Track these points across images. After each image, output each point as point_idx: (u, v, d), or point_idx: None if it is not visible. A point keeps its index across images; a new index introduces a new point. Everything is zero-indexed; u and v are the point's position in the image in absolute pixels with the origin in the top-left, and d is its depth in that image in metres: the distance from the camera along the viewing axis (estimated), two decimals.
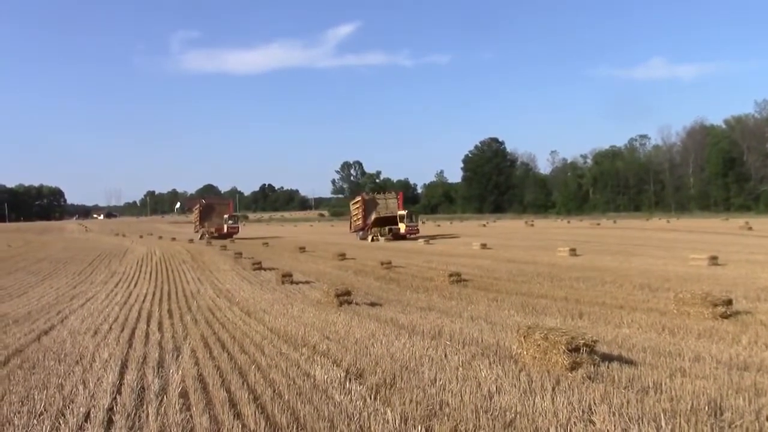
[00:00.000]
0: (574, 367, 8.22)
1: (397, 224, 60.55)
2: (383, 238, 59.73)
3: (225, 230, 73.05)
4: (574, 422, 6.35)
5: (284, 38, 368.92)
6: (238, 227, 76.78)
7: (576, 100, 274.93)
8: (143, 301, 20.28)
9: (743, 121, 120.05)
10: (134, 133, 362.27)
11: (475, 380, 8.11)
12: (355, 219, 65.98)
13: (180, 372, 9.51)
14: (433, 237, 60.16)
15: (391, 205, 64.75)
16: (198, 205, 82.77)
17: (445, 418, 6.73)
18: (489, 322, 13.56)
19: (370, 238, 60.21)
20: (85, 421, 7.30)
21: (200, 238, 72.14)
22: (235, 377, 9.11)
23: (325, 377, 8.71)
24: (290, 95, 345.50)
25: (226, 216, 75.94)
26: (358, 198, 67.14)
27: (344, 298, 17.25)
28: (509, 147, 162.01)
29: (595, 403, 6.84)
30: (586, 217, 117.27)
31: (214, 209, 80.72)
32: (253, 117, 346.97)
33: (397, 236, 59.37)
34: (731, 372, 8.42)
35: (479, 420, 6.59)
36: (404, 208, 64.43)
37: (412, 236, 59.11)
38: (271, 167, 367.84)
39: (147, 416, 7.37)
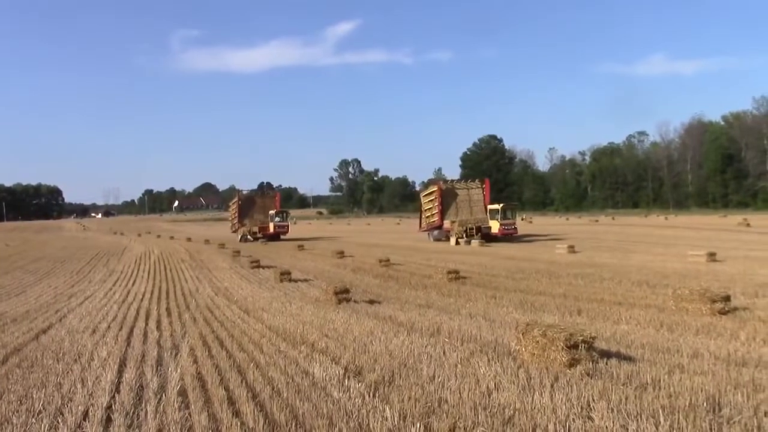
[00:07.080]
0: (572, 363, 8.22)
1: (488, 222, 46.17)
2: (469, 239, 44.18)
3: (271, 229, 58.57)
4: (573, 419, 6.36)
5: (284, 36, 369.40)
6: (288, 225, 61.36)
7: (575, 97, 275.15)
8: (142, 299, 20.26)
9: (741, 118, 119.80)
10: (133, 132, 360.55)
11: (474, 377, 8.11)
12: (428, 215, 51.64)
13: (179, 370, 9.50)
14: None
15: (474, 196, 50.97)
16: (236, 199, 65.38)
17: (444, 415, 6.73)
18: (487, 320, 13.56)
19: (453, 240, 45.15)
20: (84, 419, 7.30)
21: (240, 240, 58.05)
22: (233, 375, 9.10)
23: (324, 375, 8.71)
24: (289, 93, 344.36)
25: (272, 212, 60.26)
26: (434, 188, 51.74)
27: (343, 295, 17.23)
28: (507, 144, 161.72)
29: (593, 400, 6.85)
30: (585, 213, 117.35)
31: (256, 203, 64.27)
32: (252, 115, 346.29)
33: (489, 238, 44.70)
34: (729, 368, 8.43)
35: (478, 417, 6.59)
36: (496, 201, 50.18)
37: (507, 236, 45.37)
38: (269, 165, 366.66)
39: (146, 414, 7.37)
